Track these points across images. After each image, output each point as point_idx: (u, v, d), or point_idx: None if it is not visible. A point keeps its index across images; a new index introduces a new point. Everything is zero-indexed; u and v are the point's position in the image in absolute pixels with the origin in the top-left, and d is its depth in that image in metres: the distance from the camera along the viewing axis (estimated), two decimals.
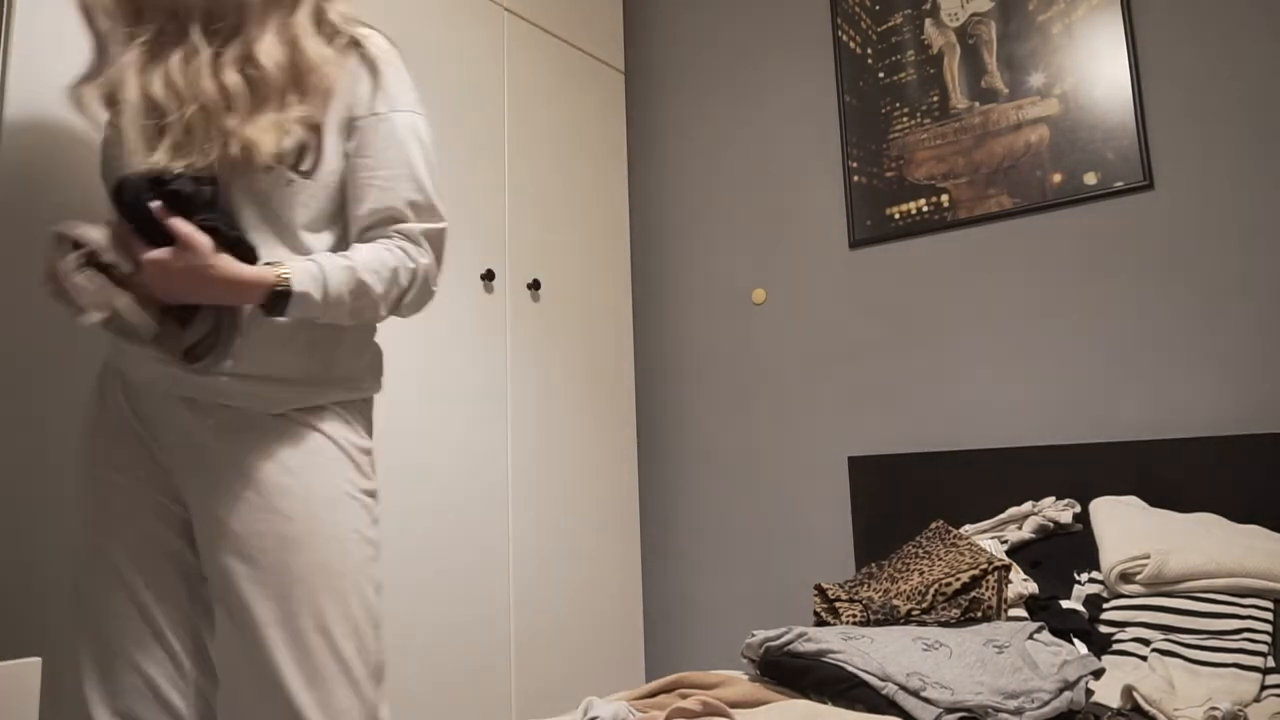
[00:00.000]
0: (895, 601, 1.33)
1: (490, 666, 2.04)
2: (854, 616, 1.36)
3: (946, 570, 1.37)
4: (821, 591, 1.54)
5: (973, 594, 1.33)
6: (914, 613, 1.33)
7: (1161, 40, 1.97)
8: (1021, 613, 1.42)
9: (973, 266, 2.18)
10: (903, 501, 2.14)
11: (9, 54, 1.41)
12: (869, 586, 1.43)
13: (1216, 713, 1.11)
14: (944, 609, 1.32)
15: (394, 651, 1.84)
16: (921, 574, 1.39)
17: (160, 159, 1.06)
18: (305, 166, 1.15)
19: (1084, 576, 1.56)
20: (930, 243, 2.25)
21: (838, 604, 1.44)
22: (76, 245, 1.04)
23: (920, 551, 1.48)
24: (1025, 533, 1.74)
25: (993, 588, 1.34)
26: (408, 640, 1.88)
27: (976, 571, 1.34)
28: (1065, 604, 1.46)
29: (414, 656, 1.88)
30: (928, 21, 2.30)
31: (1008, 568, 1.41)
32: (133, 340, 1.10)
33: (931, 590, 1.32)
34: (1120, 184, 1.98)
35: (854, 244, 2.37)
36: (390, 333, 1.94)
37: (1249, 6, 1.88)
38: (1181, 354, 1.89)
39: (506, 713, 2.06)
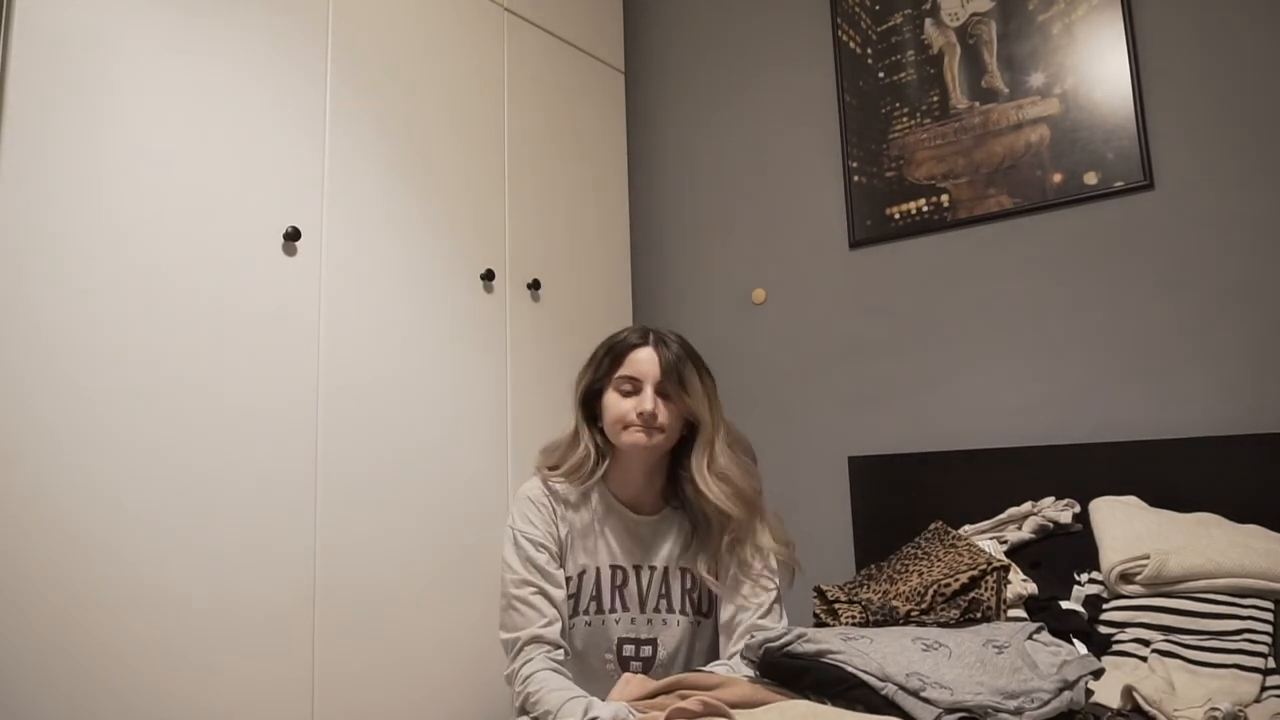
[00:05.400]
0: (894, 603, 1.33)
1: (490, 666, 2.04)
2: (853, 618, 1.36)
3: (945, 571, 1.37)
4: (820, 593, 1.54)
5: (971, 594, 1.32)
6: (913, 614, 1.33)
7: (1161, 40, 1.97)
8: (1021, 613, 1.42)
9: (973, 266, 2.18)
10: (903, 501, 2.14)
11: (9, 54, 1.41)
12: (868, 588, 1.43)
13: (1217, 713, 1.11)
14: (943, 610, 1.32)
15: (394, 650, 1.84)
16: (920, 575, 1.39)
17: None
18: None
19: (1084, 577, 1.56)
20: (930, 243, 2.25)
21: (837, 605, 1.44)
22: None
23: (919, 552, 1.48)
24: (1025, 533, 1.73)
25: (991, 588, 1.33)
26: (408, 639, 1.88)
27: (975, 572, 1.34)
28: (1065, 605, 1.46)
29: (413, 655, 1.88)
30: (928, 21, 2.30)
31: (1007, 568, 1.41)
32: None
33: (930, 591, 1.32)
34: (1120, 184, 1.98)
35: (854, 244, 2.36)
36: (390, 332, 1.94)
37: (1249, 6, 1.88)
38: (1181, 354, 1.89)
39: (506, 713, 2.05)
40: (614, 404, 1.46)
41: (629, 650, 1.47)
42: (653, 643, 1.48)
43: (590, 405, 1.51)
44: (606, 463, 1.50)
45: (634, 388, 1.46)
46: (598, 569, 1.49)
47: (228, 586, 1.58)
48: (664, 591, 1.49)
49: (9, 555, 1.33)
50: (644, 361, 1.47)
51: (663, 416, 1.44)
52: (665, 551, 1.51)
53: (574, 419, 1.52)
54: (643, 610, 1.48)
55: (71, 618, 1.38)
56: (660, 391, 1.45)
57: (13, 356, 1.37)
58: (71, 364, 1.43)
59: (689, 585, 1.50)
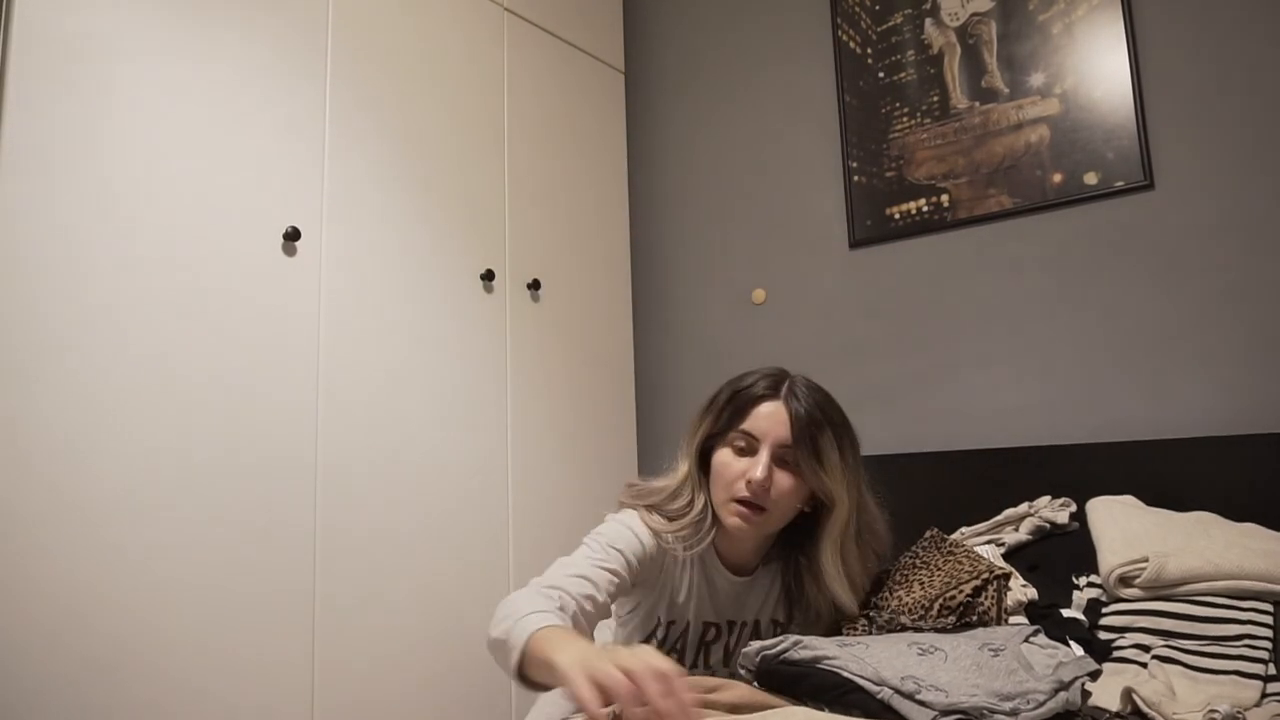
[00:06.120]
0: (901, 618, 1.32)
1: (489, 668, 2.04)
2: (854, 630, 1.35)
3: (947, 582, 1.36)
4: None
5: (971, 602, 1.32)
6: (917, 625, 1.33)
7: (1161, 40, 1.96)
8: (1022, 619, 1.41)
9: (973, 266, 2.17)
10: (902, 501, 2.12)
11: (8, 54, 1.42)
12: (869, 601, 1.42)
13: (1216, 715, 1.11)
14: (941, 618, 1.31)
15: (393, 650, 1.85)
16: (923, 585, 1.38)
17: None
18: None
19: (1083, 580, 1.56)
20: (930, 243, 2.24)
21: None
22: None
23: (918, 562, 1.47)
24: (1022, 534, 1.73)
25: (992, 597, 1.33)
26: (407, 639, 1.88)
27: (979, 582, 1.33)
28: (1066, 613, 1.45)
29: (412, 656, 1.89)
30: (928, 21, 2.29)
31: (1007, 576, 1.40)
32: None
33: (936, 605, 1.31)
34: (1120, 184, 1.98)
35: (854, 244, 2.36)
36: (390, 332, 1.94)
37: (1249, 7, 1.87)
38: (1181, 354, 1.89)
39: (507, 714, 2.06)
40: (725, 464, 1.27)
41: None
42: None
43: (705, 456, 1.32)
44: (715, 531, 1.31)
45: (749, 446, 1.26)
46: (688, 623, 1.34)
47: (229, 577, 1.59)
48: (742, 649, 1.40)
49: (13, 544, 1.34)
50: (766, 418, 1.25)
51: (777, 489, 1.24)
52: (757, 605, 1.38)
53: (686, 469, 1.33)
54: (726, 664, 1.37)
55: (72, 608, 1.39)
56: (781, 459, 1.25)
57: (13, 357, 1.37)
58: (73, 364, 1.44)
59: (777, 634, 1.38)
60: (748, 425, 1.26)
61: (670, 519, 1.29)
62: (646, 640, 1.36)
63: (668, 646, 1.35)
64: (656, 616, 1.34)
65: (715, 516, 1.30)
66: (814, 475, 1.26)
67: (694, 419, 1.34)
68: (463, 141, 2.18)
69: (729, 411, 1.29)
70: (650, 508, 1.31)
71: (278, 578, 1.67)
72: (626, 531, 1.28)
